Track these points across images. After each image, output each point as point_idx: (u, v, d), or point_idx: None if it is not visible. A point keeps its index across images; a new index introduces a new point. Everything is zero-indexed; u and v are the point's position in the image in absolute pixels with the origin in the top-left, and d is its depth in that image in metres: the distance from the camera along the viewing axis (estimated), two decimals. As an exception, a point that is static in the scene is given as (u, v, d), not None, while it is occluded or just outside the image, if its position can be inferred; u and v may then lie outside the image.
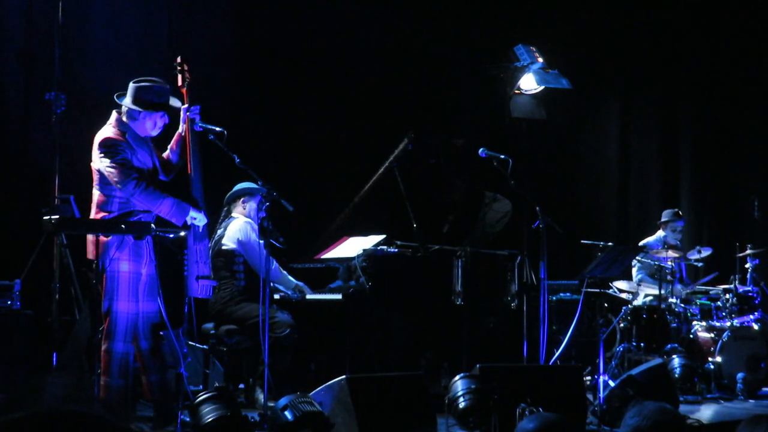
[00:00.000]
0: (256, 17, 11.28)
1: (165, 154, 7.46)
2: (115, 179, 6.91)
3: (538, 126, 12.02)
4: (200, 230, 7.21)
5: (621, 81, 14.20)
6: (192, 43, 10.72)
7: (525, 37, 11.55)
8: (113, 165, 6.91)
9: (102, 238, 6.94)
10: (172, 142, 7.48)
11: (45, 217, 6.71)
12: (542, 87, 11.27)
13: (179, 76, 7.48)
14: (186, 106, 7.38)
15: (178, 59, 7.55)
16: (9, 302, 8.13)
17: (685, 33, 13.85)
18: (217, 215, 8.72)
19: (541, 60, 11.04)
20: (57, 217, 6.73)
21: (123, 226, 6.72)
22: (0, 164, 9.56)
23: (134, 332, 7.00)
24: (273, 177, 7.65)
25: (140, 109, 7.07)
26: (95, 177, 7.07)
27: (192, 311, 7.08)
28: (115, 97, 7.20)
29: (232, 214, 8.69)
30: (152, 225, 6.92)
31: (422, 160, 9.43)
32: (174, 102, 7.30)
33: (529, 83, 11.15)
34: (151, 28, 10.46)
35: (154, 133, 7.22)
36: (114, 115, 7.13)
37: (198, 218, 7.14)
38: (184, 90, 7.44)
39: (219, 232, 8.56)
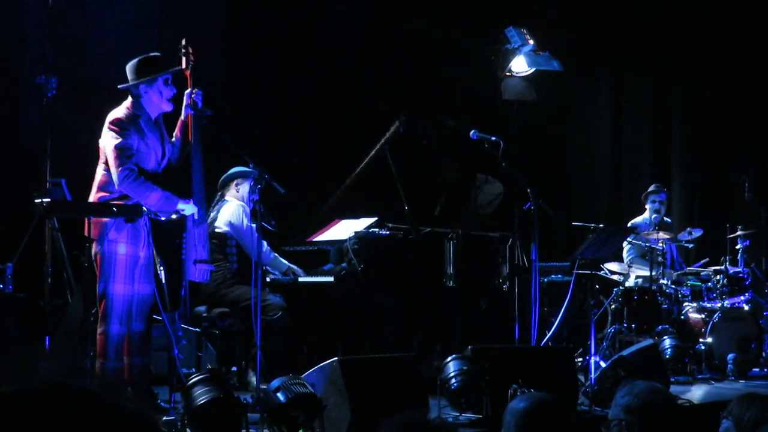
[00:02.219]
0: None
1: (171, 141, 7.48)
2: (110, 162, 6.94)
3: (530, 108, 11.99)
4: (199, 215, 7.22)
5: (612, 63, 14.20)
6: (183, 25, 10.69)
7: (516, 19, 11.53)
8: (113, 148, 6.94)
9: (100, 219, 6.94)
10: (176, 129, 7.49)
11: (36, 201, 6.71)
12: (533, 69, 11.24)
13: (183, 59, 7.49)
14: (189, 90, 7.39)
15: (183, 41, 7.56)
16: (1, 286, 8.14)
17: (677, 14, 13.83)
18: (210, 198, 8.72)
19: (532, 42, 11.01)
20: (48, 200, 6.73)
21: (114, 209, 6.72)
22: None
23: (129, 314, 7.02)
24: (264, 160, 7.65)
25: (140, 82, 7.08)
26: (101, 155, 7.09)
27: (188, 295, 7.10)
28: (119, 87, 7.21)
29: (225, 197, 8.69)
30: (144, 208, 6.92)
31: (414, 143, 9.42)
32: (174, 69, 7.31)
33: (520, 65, 11.12)
34: (142, 9, 10.43)
35: (166, 107, 7.20)
36: (129, 98, 7.15)
37: (186, 209, 7.14)
38: (187, 73, 7.45)
39: (212, 215, 8.56)
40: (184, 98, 7.39)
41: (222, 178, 8.67)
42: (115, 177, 6.91)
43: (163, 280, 7.02)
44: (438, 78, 11.98)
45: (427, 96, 11.70)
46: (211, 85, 10.31)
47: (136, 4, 10.42)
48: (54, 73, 7.75)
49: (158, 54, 7.30)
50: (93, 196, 7.10)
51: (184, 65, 7.46)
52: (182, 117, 7.44)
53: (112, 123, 7.02)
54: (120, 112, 7.08)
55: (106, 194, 6.99)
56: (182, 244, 7.15)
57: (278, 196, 7.46)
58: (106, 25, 10.06)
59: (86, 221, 7.02)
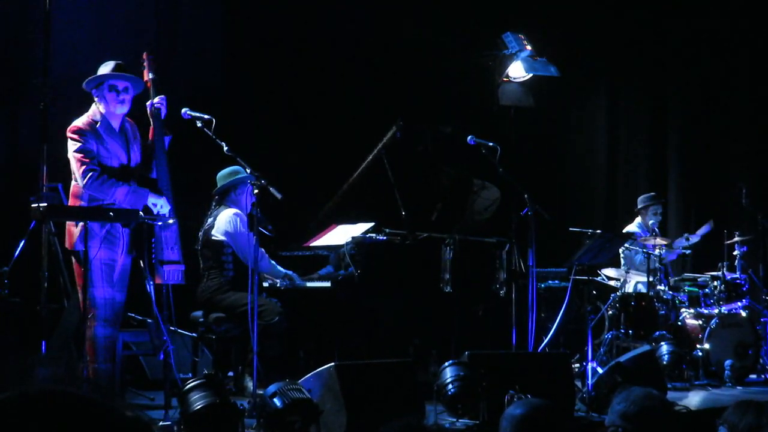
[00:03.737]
0: (244, 3, 11.27)
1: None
2: (74, 169, 6.97)
3: (527, 113, 11.99)
4: (166, 217, 7.20)
5: (609, 69, 14.20)
6: (180, 29, 10.70)
7: (513, 24, 11.54)
8: (74, 154, 7.01)
9: (71, 229, 6.95)
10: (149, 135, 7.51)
11: (33, 205, 6.71)
12: (530, 74, 11.24)
13: (144, 72, 7.51)
14: (150, 101, 7.39)
15: (144, 55, 7.58)
16: (-3, 291, 8.13)
17: (673, 20, 13.84)
18: (203, 202, 8.70)
19: (529, 47, 11.01)
20: (45, 204, 6.73)
21: (111, 213, 6.72)
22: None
23: (114, 315, 7.00)
24: (261, 164, 7.64)
25: (87, 87, 7.14)
26: (71, 166, 7.11)
27: (170, 298, 7.07)
28: (83, 86, 7.23)
29: (222, 205, 8.64)
30: (141, 213, 6.92)
31: (411, 148, 9.43)
32: (136, 79, 7.29)
33: (517, 71, 11.13)
34: (138, 14, 10.43)
35: (118, 110, 7.18)
36: (93, 106, 7.17)
37: (159, 204, 7.12)
38: (149, 84, 7.45)
39: (209, 221, 8.52)
40: (147, 108, 7.40)
41: (218, 184, 8.63)
42: (80, 182, 6.95)
43: (150, 290, 6.99)
44: (435, 83, 11.98)
45: (424, 101, 11.69)
46: (209, 90, 10.35)
47: (132, 7, 10.41)
48: (51, 77, 7.75)
49: (115, 62, 7.27)
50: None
51: (145, 77, 7.47)
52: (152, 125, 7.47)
53: (69, 131, 7.09)
54: (78, 121, 7.14)
55: (82, 203, 6.99)
56: (152, 249, 7.13)
57: (275, 201, 7.45)
58: (103, 29, 10.04)
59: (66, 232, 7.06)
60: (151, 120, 7.41)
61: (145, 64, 7.55)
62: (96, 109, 7.16)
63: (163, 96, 7.44)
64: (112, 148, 7.12)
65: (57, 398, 1.47)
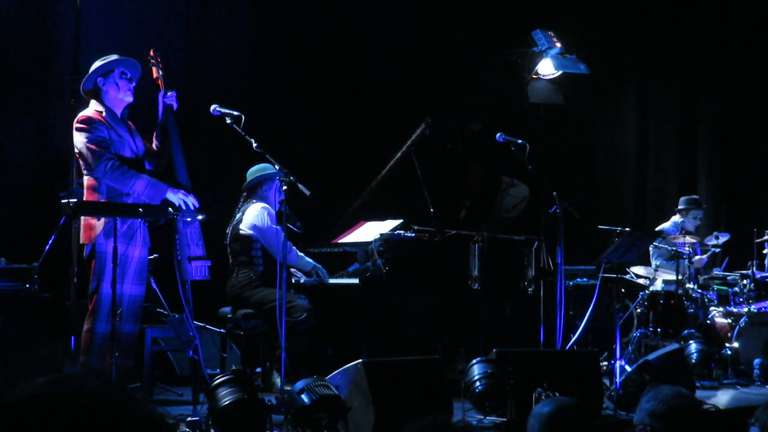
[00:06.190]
0: (273, 1, 11.29)
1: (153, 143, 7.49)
2: (89, 160, 6.97)
3: (556, 111, 11.99)
4: (193, 212, 7.19)
5: (639, 66, 14.16)
6: (209, 27, 10.73)
7: (543, 21, 11.52)
8: (87, 145, 6.98)
9: (91, 222, 6.92)
10: (153, 138, 7.49)
11: (63, 201, 6.73)
12: (560, 72, 11.24)
13: (153, 69, 7.54)
14: (162, 92, 7.40)
15: (151, 52, 7.60)
16: (27, 285, 8.17)
17: (704, 17, 13.78)
18: (231, 198, 8.73)
19: (559, 45, 11.00)
20: (75, 200, 6.75)
21: (141, 209, 6.72)
22: (18, 148, 9.60)
23: (118, 314, 6.97)
24: (290, 161, 7.65)
25: (96, 75, 7.14)
26: (81, 161, 7.12)
27: (190, 295, 7.06)
28: (81, 90, 7.22)
29: (250, 200, 8.67)
30: (170, 209, 6.93)
31: (439, 145, 9.41)
32: (130, 62, 7.29)
33: (546, 68, 11.13)
34: (168, 11, 10.46)
35: (127, 97, 7.20)
36: (92, 101, 7.14)
37: (176, 199, 7.10)
38: (159, 81, 7.47)
39: (237, 216, 8.55)
40: (158, 103, 7.41)
41: (247, 180, 8.65)
42: (97, 172, 6.94)
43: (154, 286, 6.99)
44: (464, 80, 11.97)
45: (453, 98, 11.69)
46: (238, 86, 10.37)
47: (163, 6, 10.44)
48: (81, 73, 7.78)
49: (114, 55, 7.30)
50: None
51: (155, 74, 7.52)
52: (160, 120, 7.46)
53: (78, 122, 7.07)
54: (85, 111, 7.14)
55: (99, 195, 6.96)
56: (176, 245, 7.12)
57: (304, 197, 7.46)
58: (133, 26, 10.08)
59: (81, 227, 7.05)
60: (163, 116, 7.42)
61: (152, 61, 7.56)
62: (98, 101, 7.16)
63: (173, 91, 7.47)
64: (122, 133, 7.11)
65: (81, 394, 1.47)
